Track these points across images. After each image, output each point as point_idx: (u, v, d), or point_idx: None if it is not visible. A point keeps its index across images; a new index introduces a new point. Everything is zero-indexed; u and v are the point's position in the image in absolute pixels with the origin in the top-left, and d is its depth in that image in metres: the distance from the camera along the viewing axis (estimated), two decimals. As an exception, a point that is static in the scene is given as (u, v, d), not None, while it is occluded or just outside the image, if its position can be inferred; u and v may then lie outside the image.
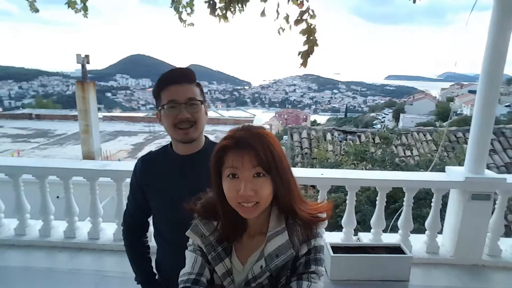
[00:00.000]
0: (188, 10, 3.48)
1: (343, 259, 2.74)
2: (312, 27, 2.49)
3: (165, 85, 1.22)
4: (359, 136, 9.84)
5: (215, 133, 13.75)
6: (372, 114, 76.25)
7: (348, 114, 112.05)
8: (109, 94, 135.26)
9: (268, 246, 0.89)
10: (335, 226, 4.12)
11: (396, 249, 2.89)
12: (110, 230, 3.33)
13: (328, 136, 9.74)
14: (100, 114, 18.15)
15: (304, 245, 0.89)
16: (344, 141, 9.46)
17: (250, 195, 0.84)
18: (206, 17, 3.21)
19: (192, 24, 3.66)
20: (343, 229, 3.16)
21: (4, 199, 3.43)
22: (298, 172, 3.30)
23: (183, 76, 1.23)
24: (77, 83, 9.06)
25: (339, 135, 9.93)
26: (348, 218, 3.11)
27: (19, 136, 13.22)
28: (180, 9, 3.47)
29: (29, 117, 18.02)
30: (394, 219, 3.51)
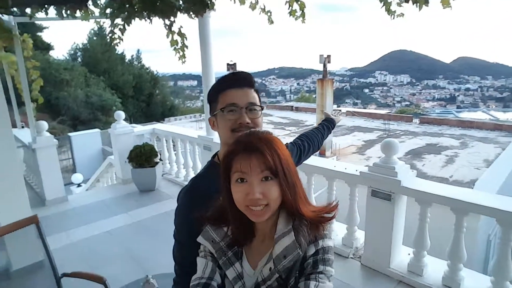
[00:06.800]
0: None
1: None
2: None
3: (225, 88, 1.18)
4: None
5: (462, 138, 11.53)
6: None
7: None
8: (366, 90, 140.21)
9: (276, 248, 0.90)
10: None
11: None
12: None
13: None
14: (344, 109, 19.68)
15: (312, 245, 0.90)
16: None
17: (259, 198, 0.86)
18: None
19: (402, 15, 3.33)
20: None
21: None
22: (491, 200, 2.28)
23: (244, 80, 1.19)
24: (318, 81, 10.05)
25: None
26: None
27: (279, 124, 16.21)
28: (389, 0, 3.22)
29: (291, 108, 21.85)
30: None
